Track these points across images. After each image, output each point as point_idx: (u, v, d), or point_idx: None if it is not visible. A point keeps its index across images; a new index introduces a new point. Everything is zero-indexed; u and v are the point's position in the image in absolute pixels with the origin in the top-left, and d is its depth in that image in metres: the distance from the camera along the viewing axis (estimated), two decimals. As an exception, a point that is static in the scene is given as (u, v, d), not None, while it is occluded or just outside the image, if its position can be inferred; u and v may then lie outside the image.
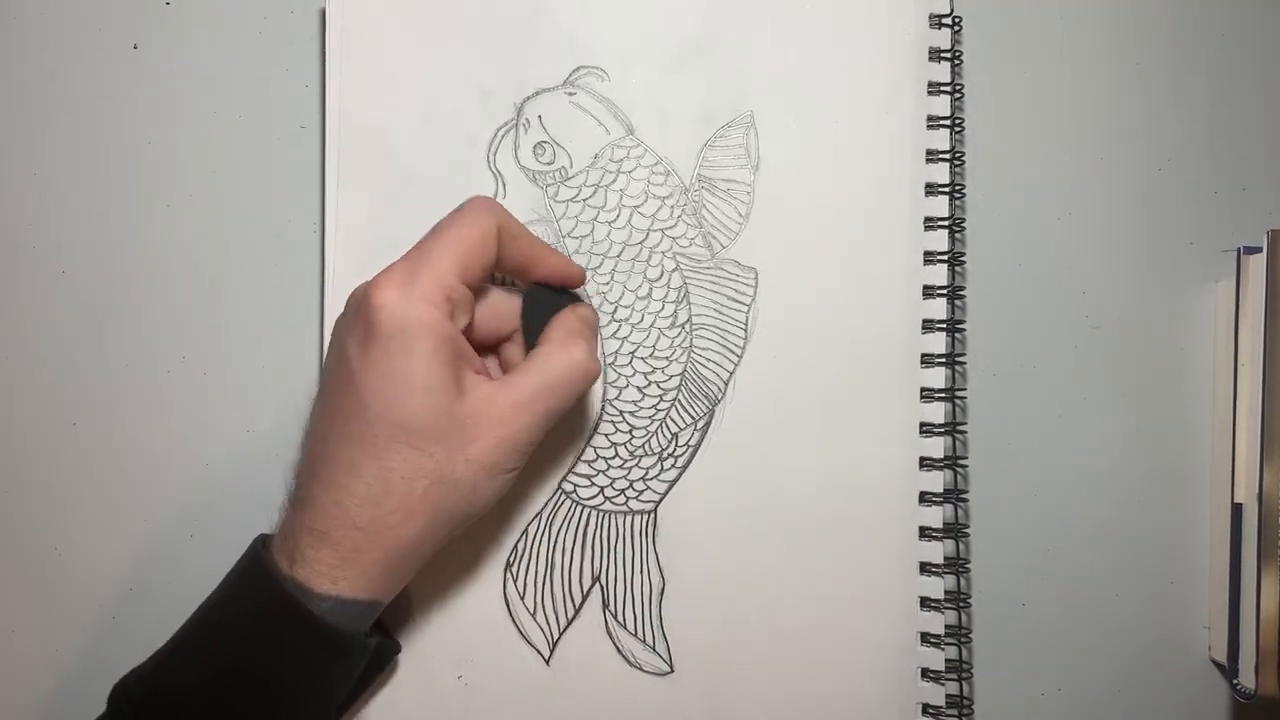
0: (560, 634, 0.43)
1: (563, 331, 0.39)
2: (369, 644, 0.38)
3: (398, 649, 0.42)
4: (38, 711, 0.44)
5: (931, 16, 0.44)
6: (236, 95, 0.45)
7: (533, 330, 0.40)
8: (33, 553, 0.44)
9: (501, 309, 0.40)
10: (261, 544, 0.37)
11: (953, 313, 0.44)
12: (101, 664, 0.41)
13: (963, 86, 0.44)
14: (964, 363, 0.45)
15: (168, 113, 0.45)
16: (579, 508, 0.43)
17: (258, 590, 0.36)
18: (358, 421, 0.35)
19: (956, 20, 0.44)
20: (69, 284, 0.44)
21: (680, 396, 0.43)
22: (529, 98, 0.44)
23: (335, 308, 0.42)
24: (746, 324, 0.43)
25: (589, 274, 0.43)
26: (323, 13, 0.44)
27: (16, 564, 0.44)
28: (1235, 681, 0.43)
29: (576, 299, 0.41)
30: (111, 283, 0.44)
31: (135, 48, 0.45)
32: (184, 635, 0.37)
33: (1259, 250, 0.42)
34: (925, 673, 0.43)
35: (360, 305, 0.36)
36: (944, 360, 0.43)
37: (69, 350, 0.44)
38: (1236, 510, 0.43)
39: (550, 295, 0.40)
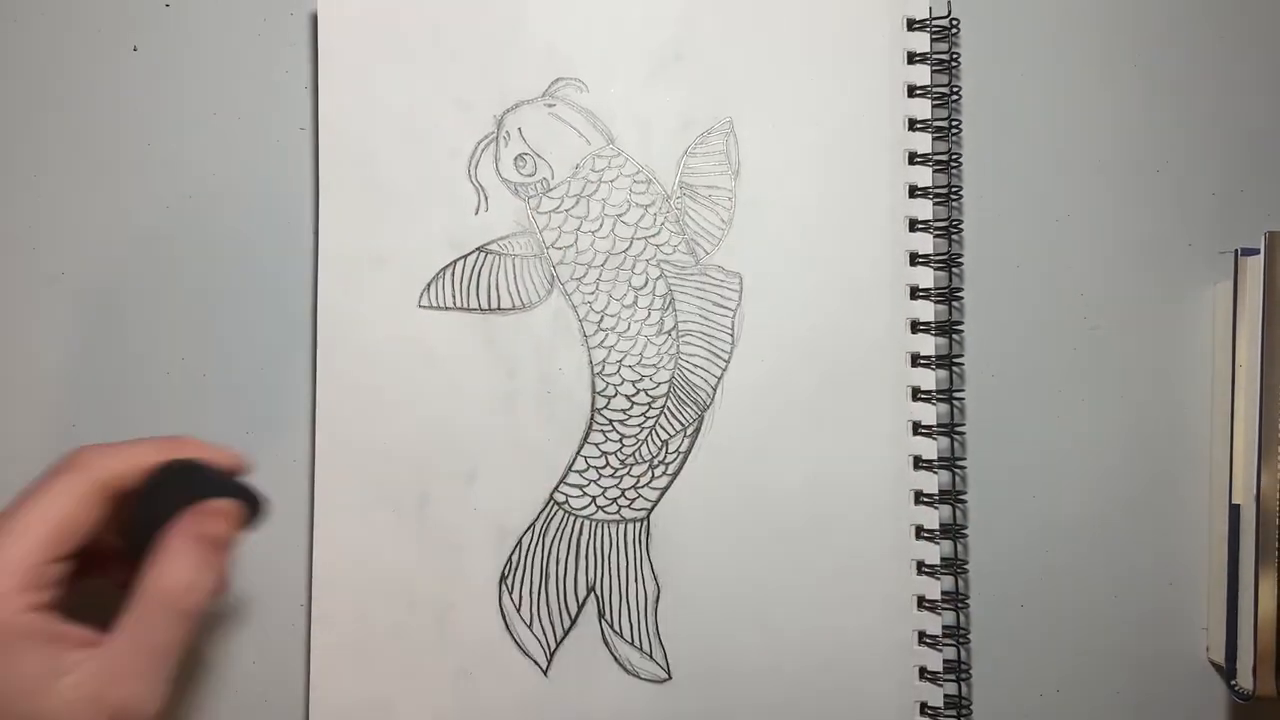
0: (557, 644, 0.43)
1: (167, 549, 0.35)
2: None
3: None
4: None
5: (908, 20, 0.43)
6: (236, 96, 0.45)
7: (144, 537, 0.35)
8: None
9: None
10: None
11: (950, 314, 0.44)
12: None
13: (960, 89, 0.44)
14: (962, 364, 0.45)
15: (168, 113, 0.45)
16: (572, 518, 0.43)
17: None
18: None
19: (954, 22, 0.44)
20: (69, 284, 0.44)
21: (669, 403, 0.43)
22: (509, 110, 0.44)
23: (327, 316, 0.43)
24: (733, 329, 0.43)
25: (574, 284, 0.43)
26: (314, 16, 0.44)
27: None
28: (1233, 682, 0.43)
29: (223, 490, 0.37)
30: (111, 283, 0.44)
31: (135, 49, 0.45)
32: None
33: (1256, 252, 0.42)
34: (924, 673, 0.43)
35: None
36: (934, 361, 0.43)
37: (69, 350, 0.44)
38: (1234, 511, 0.43)
39: (176, 491, 0.36)
